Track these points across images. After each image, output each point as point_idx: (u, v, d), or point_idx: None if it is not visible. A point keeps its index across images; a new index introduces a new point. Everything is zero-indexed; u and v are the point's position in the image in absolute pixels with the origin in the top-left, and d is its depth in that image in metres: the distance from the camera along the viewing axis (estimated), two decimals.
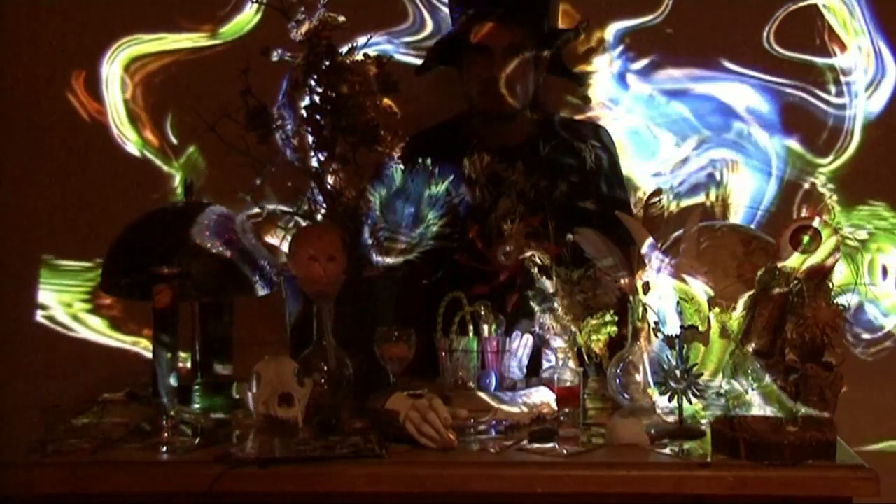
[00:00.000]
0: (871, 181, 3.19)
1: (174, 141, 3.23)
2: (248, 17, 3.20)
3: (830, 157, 3.19)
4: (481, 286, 2.57)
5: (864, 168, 3.19)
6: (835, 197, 3.16)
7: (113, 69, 3.22)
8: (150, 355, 2.42)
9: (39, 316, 3.25)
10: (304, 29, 2.56)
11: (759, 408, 2.22)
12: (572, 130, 3.02)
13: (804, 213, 2.64)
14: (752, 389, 2.22)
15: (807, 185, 3.20)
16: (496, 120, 2.97)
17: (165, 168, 3.23)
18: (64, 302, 3.25)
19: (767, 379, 2.20)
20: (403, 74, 2.80)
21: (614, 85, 3.22)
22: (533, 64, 2.96)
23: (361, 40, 2.70)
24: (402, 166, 2.58)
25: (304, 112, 2.57)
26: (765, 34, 3.17)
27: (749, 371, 2.22)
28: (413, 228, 2.54)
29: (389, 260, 2.55)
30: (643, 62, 3.21)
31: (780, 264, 2.26)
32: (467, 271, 2.63)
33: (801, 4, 3.17)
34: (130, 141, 3.23)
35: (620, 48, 3.20)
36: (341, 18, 2.59)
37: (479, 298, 2.55)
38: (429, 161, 2.53)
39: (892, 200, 3.17)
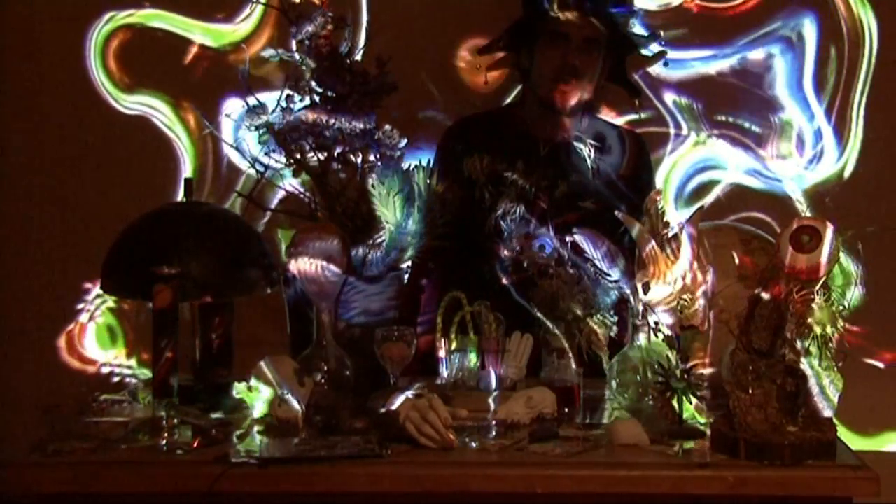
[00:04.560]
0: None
1: (175, 139, 3.23)
2: (247, 16, 3.20)
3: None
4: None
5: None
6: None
7: (110, 67, 3.22)
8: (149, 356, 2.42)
9: (39, 315, 3.25)
10: (304, 29, 2.56)
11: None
12: (602, 132, 3.02)
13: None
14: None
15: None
16: (554, 112, 2.94)
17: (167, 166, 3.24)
18: (64, 301, 3.25)
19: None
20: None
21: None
22: (602, 62, 2.94)
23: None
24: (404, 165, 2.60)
25: (304, 112, 2.57)
26: None
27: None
28: (414, 227, 2.55)
29: (389, 259, 2.56)
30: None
31: (779, 264, 2.26)
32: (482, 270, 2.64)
33: None
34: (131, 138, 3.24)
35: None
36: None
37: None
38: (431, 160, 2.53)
39: None
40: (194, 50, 3.20)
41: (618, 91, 3.11)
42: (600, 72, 2.95)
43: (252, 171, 2.69)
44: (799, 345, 2.18)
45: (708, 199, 3.20)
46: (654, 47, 3.05)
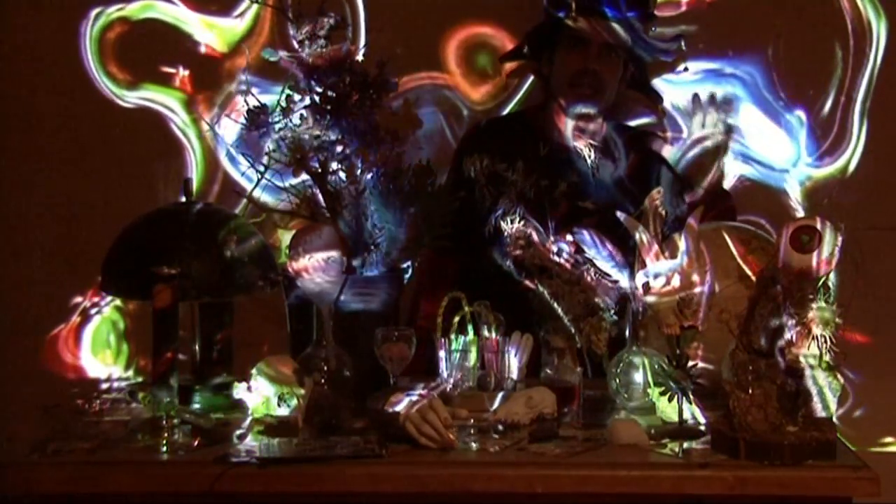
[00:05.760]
0: None
1: (180, 138, 3.23)
2: (244, 11, 3.19)
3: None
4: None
5: None
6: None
7: (108, 69, 3.22)
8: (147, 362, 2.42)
9: (39, 315, 3.25)
10: (304, 29, 2.56)
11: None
12: (623, 137, 3.03)
13: None
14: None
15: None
16: (575, 117, 2.95)
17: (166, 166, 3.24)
18: (64, 302, 3.25)
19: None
20: None
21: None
22: (622, 68, 2.97)
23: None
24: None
25: (304, 112, 2.57)
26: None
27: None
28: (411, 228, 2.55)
29: (389, 259, 2.56)
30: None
31: (779, 264, 2.26)
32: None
33: None
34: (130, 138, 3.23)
35: None
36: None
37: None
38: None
39: None
40: (193, 48, 3.20)
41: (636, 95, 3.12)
42: (620, 78, 2.96)
43: (252, 172, 2.69)
44: (799, 345, 2.19)
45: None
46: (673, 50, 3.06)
